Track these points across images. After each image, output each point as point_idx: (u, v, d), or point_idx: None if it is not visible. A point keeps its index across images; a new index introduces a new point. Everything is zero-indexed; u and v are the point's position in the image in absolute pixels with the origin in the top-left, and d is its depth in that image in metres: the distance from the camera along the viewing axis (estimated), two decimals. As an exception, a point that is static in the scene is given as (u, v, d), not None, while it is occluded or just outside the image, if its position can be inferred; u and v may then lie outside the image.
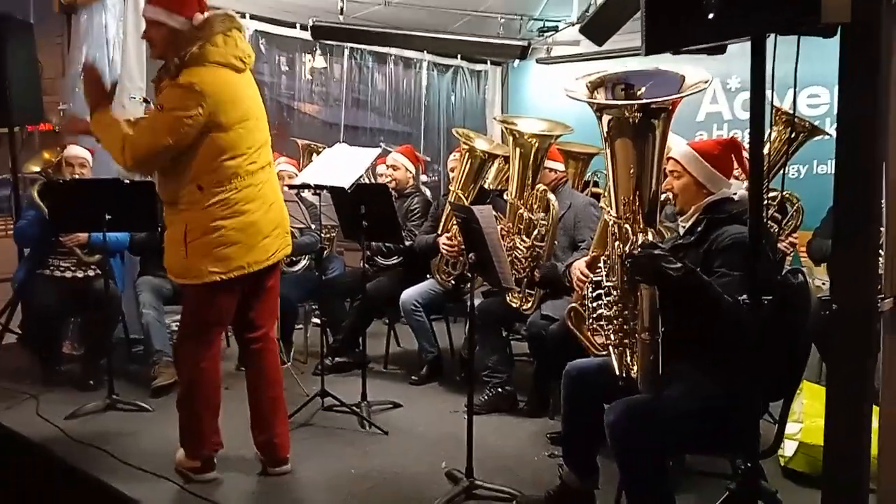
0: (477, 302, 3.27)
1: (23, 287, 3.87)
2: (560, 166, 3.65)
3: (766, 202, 3.18)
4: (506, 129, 3.50)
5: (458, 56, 6.32)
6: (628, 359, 2.15)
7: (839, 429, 1.69)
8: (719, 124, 5.45)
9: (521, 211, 3.43)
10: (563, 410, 2.46)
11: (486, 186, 3.99)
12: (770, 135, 3.32)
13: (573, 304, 2.76)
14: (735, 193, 2.30)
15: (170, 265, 2.62)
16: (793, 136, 3.36)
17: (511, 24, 5.54)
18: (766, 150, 3.16)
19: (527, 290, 3.42)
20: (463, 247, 3.40)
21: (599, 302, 2.21)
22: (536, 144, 3.39)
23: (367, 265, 3.75)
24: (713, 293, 1.96)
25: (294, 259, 4.27)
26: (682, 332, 2.05)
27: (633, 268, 2.02)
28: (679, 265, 1.93)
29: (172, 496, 2.61)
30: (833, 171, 1.70)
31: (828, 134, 3.53)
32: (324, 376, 3.48)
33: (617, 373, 2.17)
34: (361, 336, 3.77)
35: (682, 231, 2.35)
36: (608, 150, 2.11)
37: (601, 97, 2.14)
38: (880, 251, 1.77)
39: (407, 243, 4.02)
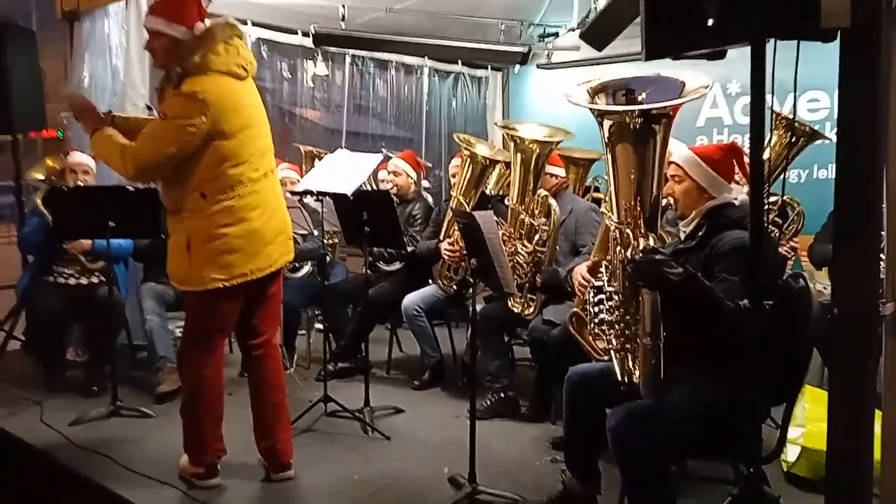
0: (479, 307, 3.27)
1: (27, 294, 3.88)
2: (561, 171, 3.66)
3: (766, 207, 3.19)
4: (507, 134, 3.52)
5: (459, 62, 6.34)
6: (630, 364, 2.15)
7: (840, 428, 1.69)
8: (719, 129, 5.46)
9: (522, 216, 3.43)
10: (565, 415, 2.46)
11: (487, 192, 4.00)
12: (770, 139, 3.33)
13: (575, 309, 2.77)
14: (736, 198, 2.31)
15: (173, 272, 2.62)
16: (793, 140, 3.37)
17: (511, 29, 5.55)
18: (766, 155, 3.17)
19: (528, 296, 3.43)
20: (465, 252, 3.41)
21: (601, 307, 2.21)
22: (537, 150, 3.41)
23: (369, 271, 3.76)
24: (714, 298, 1.97)
25: (297, 265, 4.27)
26: (683, 336, 2.05)
27: (634, 273, 2.03)
28: (680, 270, 1.94)
29: (176, 502, 2.61)
30: (833, 176, 1.71)
31: (828, 138, 3.54)
32: (326, 382, 3.49)
33: (619, 378, 2.17)
34: (364, 341, 3.78)
35: (683, 236, 2.36)
36: (609, 156, 2.12)
37: (602, 103, 2.15)
38: (882, 255, 1.77)
39: (409, 249, 4.03)
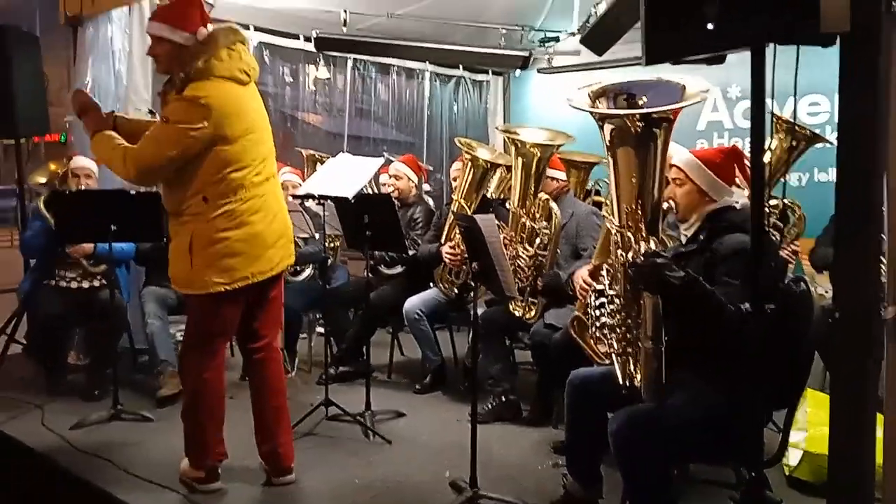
0: (480, 311, 3.27)
1: (28, 297, 3.89)
2: (562, 175, 3.66)
3: (767, 210, 3.19)
4: (508, 138, 3.52)
5: (460, 66, 6.36)
6: (631, 367, 2.15)
7: (842, 430, 1.68)
8: (720, 133, 5.46)
9: (523, 220, 3.44)
10: (566, 419, 2.46)
11: (488, 195, 4.01)
12: (771, 143, 3.33)
13: (576, 313, 2.77)
14: (737, 202, 2.31)
15: (174, 276, 2.63)
16: (793, 144, 3.37)
17: (512, 34, 5.57)
18: (767, 159, 3.17)
19: (530, 299, 3.43)
20: (466, 256, 3.41)
21: (602, 310, 2.21)
22: (538, 154, 3.41)
23: (370, 274, 3.76)
24: (716, 302, 1.97)
25: (298, 268, 4.28)
26: (684, 340, 2.05)
27: (635, 276, 2.03)
28: (682, 274, 1.94)
29: (177, 506, 2.61)
30: (834, 179, 1.72)
31: (828, 142, 3.53)
32: (328, 385, 3.49)
33: (620, 381, 2.17)
34: (365, 345, 3.78)
35: (684, 239, 2.36)
36: (610, 159, 2.13)
37: (603, 107, 2.15)
38: (882, 259, 1.77)
39: (410, 252, 4.03)
